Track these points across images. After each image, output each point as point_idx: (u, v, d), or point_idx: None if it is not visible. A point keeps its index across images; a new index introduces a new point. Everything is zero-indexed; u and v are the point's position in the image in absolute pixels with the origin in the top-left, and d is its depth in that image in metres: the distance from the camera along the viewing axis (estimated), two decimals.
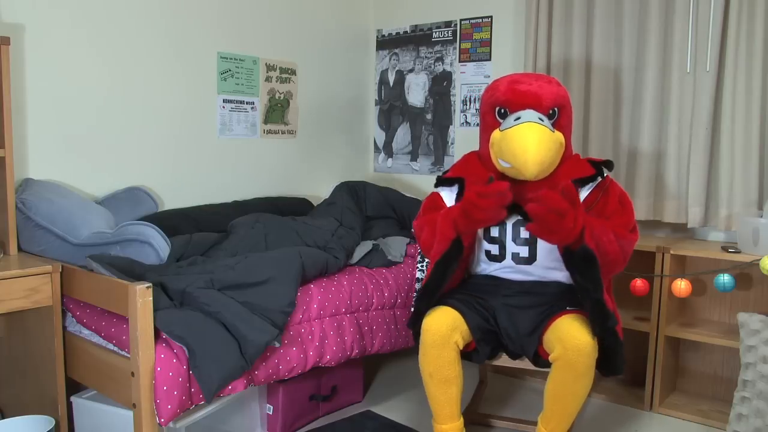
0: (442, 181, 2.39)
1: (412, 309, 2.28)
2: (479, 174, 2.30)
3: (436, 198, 2.38)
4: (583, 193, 2.23)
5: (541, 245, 2.21)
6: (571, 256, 1.99)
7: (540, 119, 2.13)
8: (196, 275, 2.18)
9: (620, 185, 2.25)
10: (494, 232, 2.26)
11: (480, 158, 2.36)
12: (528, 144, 2.06)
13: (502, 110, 2.22)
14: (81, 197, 2.53)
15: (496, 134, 2.19)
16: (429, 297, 2.17)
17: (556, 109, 2.21)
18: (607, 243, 2.04)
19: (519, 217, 2.21)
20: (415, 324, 2.22)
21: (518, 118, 2.13)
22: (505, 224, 2.23)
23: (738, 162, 2.67)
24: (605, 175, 2.25)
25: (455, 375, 2.09)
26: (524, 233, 2.22)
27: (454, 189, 2.36)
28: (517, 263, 2.25)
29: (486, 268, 2.33)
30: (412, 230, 3.13)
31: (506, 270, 2.28)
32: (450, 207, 2.21)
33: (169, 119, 2.96)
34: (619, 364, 2.07)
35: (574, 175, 2.23)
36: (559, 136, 2.16)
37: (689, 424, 2.65)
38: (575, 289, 2.19)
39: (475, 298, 2.21)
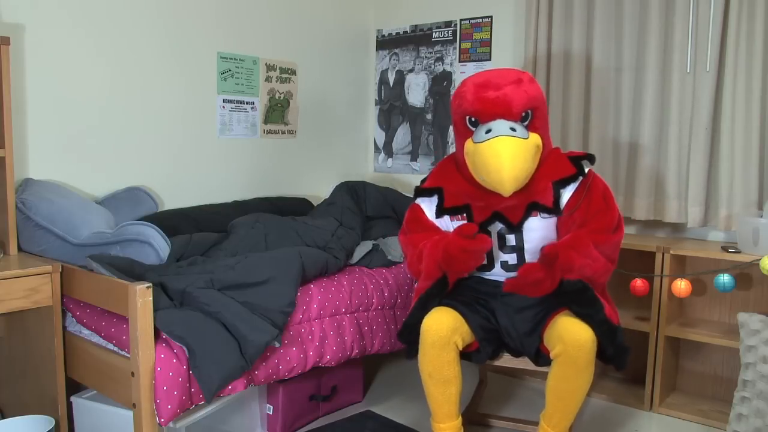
0: (420, 192, 2.31)
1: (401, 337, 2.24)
2: (457, 184, 2.23)
3: (417, 211, 2.31)
4: (566, 194, 2.16)
5: (528, 252, 2.18)
6: (560, 292, 2.02)
7: (512, 129, 2.05)
8: (196, 275, 2.18)
9: (601, 178, 2.18)
10: None
11: (456, 163, 2.29)
12: (501, 161, 2.00)
13: (473, 119, 2.14)
14: (81, 197, 2.53)
15: (469, 145, 2.13)
16: (410, 331, 2.15)
17: (528, 111, 2.11)
18: (593, 262, 2.02)
19: (502, 226, 2.17)
20: (409, 354, 2.20)
21: (489, 131, 2.06)
22: (490, 233, 2.18)
23: (738, 162, 2.67)
24: (587, 170, 2.19)
25: (454, 375, 2.09)
26: (510, 240, 2.18)
27: (434, 200, 2.29)
28: (506, 271, 2.22)
29: (477, 275, 2.30)
30: None
31: (497, 277, 2.26)
32: (436, 242, 2.12)
33: (169, 119, 2.96)
34: (623, 359, 2.07)
35: (554, 176, 2.16)
36: (534, 139, 2.09)
37: (689, 424, 2.65)
38: None
39: (475, 297, 2.21)
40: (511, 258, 2.20)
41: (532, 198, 2.14)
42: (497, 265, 2.22)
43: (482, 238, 2.03)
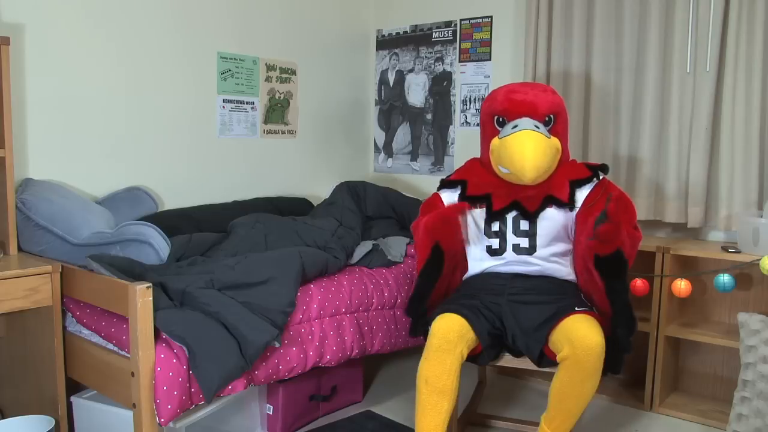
0: (445, 184, 2.49)
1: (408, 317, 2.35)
2: (481, 177, 2.41)
3: (434, 199, 2.47)
4: (583, 193, 2.31)
5: (540, 237, 2.29)
6: (605, 262, 2.08)
7: (536, 126, 2.25)
8: (196, 275, 2.18)
9: (617, 186, 2.35)
10: (495, 226, 2.33)
11: (482, 164, 2.47)
12: (525, 150, 2.19)
13: (500, 119, 2.35)
14: (81, 197, 2.53)
15: (495, 142, 2.33)
16: (418, 304, 2.28)
17: (552, 116, 2.32)
18: (630, 247, 2.15)
19: (517, 212, 2.31)
20: (416, 331, 2.31)
21: (515, 126, 2.26)
22: (506, 218, 2.32)
23: (738, 162, 2.67)
24: (601, 176, 2.34)
25: (451, 388, 2.02)
26: (524, 225, 2.30)
27: (456, 190, 2.45)
28: (518, 254, 2.30)
29: (487, 265, 2.35)
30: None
31: (508, 263, 2.31)
32: (429, 216, 2.28)
33: (169, 119, 2.96)
34: (620, 364, 2.09)
35: (571, 176, 2.33)
36: (555, 141, 2.29)
37: (689, 424, 2.65)
38: (581, 289, 2.27)
39: (481, 300, 2.21)
40: (523, 242, 2.30)
41: (549, 192, 2.30)
42: (509, 248, 2.32)
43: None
